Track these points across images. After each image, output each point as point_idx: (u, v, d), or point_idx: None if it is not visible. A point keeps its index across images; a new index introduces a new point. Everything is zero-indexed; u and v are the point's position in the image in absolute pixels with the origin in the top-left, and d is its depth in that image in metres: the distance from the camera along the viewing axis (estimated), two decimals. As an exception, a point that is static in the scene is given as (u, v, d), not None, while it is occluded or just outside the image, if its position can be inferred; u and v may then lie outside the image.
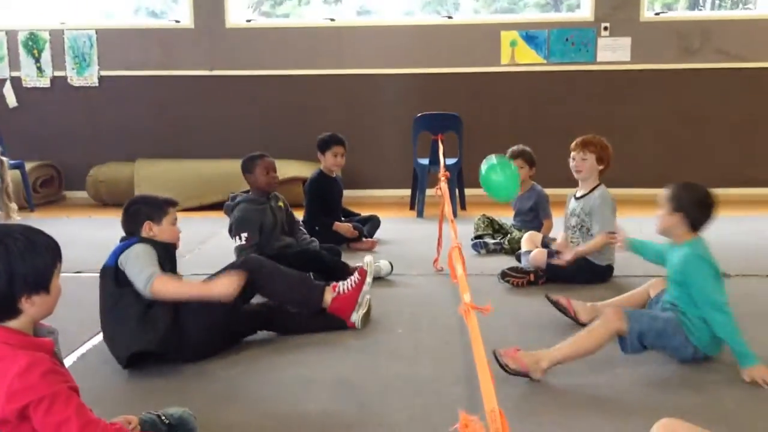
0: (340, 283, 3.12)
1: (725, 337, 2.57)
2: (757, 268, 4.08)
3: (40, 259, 1.65)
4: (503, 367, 2.49)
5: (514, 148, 4.70)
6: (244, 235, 3.67)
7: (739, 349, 2.53)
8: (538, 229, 4.48)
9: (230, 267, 3.03)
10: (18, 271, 1.60)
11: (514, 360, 2.50)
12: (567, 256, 3.68)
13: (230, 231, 3.78)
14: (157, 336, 2.66)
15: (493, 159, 3.87)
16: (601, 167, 3.76)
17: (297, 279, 3.12)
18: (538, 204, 4.63)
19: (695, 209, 2.70)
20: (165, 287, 2.62)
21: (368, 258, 3.21)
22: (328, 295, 3.08)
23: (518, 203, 4.72)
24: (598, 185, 3.78)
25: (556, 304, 3.12)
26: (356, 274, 3.10)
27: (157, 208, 2.86)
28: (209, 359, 2.76)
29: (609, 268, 3.80)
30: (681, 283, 2.70)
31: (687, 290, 2.66)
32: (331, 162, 4.81)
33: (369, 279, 3.06)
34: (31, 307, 1.64)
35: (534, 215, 4.64)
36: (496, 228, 4.83)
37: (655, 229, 2.83)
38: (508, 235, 4.59)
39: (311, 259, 3.83)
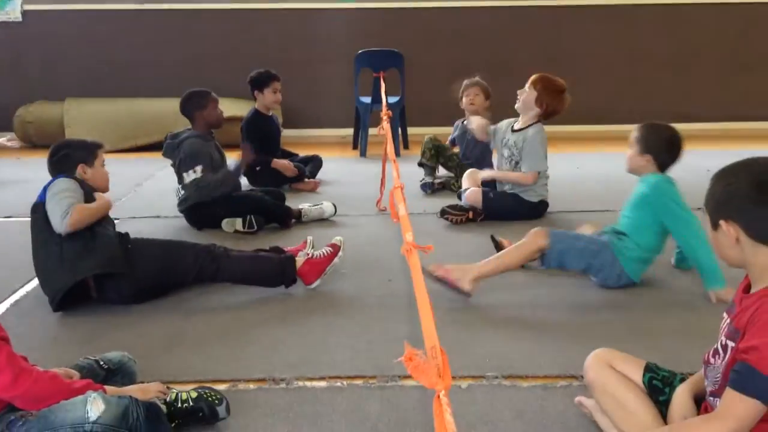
0: (315, 252, 3.00)
1: (701, 255, 2.66)
2: (694, 202, 4.19)
3: None
4: (433, 277, 2.66)
5: (469, 79, 4.62)
6: (198, 167, 3.61)
7: (713, 267, 2.63)
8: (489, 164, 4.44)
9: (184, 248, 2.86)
10: None
11: (445, 271, 2.68)
12: (483, 174, 3.90)
13: (180, 166, 3.67)
14: (99, 261, 2.60)
15: None
16: (538, 108, 3.73)
17: (265, 259, 2.95)
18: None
19: (663, 151, 2.79)
20: (82, 214, 2.60)
21: (339, 237, 3.12)
22: (300, 259, 2.93)
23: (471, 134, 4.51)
24: (535, 122, 3.79)
25: (499, 246, 3.18)
26: (328, 247, 3.01)
27: (87, 150, 2.80)
28: (149, 302, 2.72)
29: (542, 203, 3.88)
30: (638, 206, 2.80)
31: (641, 214, 2.78)
32: (271, 99, 4.70)
33: (341, 253, 3.00)
34: None
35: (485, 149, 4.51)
36: (442, 161, 4.72)
37: (624, 168, 2.92)
38: (454, 176, 4.58)
39: (255, 203, 3.79)
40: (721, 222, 1.48)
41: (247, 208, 3.75)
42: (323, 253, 2.94)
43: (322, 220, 3.91)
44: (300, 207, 3.91)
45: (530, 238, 2.77)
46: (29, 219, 2.70)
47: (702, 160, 3.81)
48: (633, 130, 2.87)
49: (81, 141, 2.90)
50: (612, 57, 6.88)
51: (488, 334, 2.44)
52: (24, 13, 6.73)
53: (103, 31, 6.76)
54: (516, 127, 3.87)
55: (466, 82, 4.62)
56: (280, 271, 2.83)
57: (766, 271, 1.46)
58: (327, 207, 3.97)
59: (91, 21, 6.74)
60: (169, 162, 3.83)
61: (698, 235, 2.65)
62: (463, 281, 2.67)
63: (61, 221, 2.56)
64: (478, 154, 4.54)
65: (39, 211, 2.66)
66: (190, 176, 3.62)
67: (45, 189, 2.67)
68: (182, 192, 3.73)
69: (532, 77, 3.76)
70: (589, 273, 2.86)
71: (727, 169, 1.50)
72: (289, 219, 3.83)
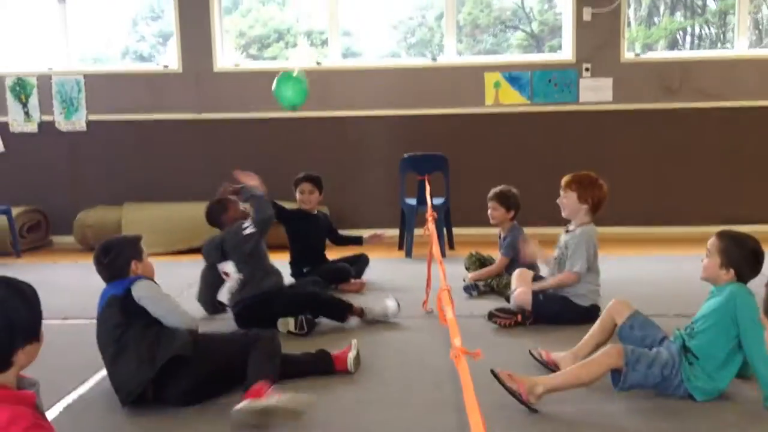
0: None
1: (762, 372, 2.57)
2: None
3: (32, 309, 1.66)
4: (501, 383, 2.57)
5: (493, 189, 4.70)
6: (247, 221, 3.82)
7: None
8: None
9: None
10: (18, 324, 1.61)
11: (512, 380, 2.58)
12: (526, 293, 3.79)
13: (236, 242, 3.81)
14: (175, 346, 2.69)
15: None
16: (584, 205, 3.77)
17: (308, 358, 3.12)
18: (507, 244, 4.59)
19: (746, 265, 2.71)
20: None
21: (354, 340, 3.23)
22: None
23: (500, 244, 4.71)
24: (586, 223, 3.80)
25: (538, 359, 3.12)
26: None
27: (134, 246, 2.93)
28: (199, 404, 2.73)
29: (593, 308, 3.76)
30: (713, 316, 2.69)
31: (716, 328, 2.66)
32: (299, 199, 4.90)
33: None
34: (24, 357, 1.64)
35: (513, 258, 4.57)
36: (486, 266, 4.79)
37: (699, 276, 2.83)
38: (497, 277, 4.58)
39: (313, 298, 3.86)
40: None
41: (305, 304, 3.79)
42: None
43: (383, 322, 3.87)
44: (364, 306, 3.88)
45: (604, 357, 2.66)
46: (88, 321, 2.78)
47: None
48: (712, 237, 2.78)
49: (125, 238, 3.05)
50: (658, 158, 6.91)
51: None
52: (88, 122, 7.14)
53: (161, 139, 7.11)
54: (569, 228, 3.88)
55: (489, 194, 4.70)
56: (322, 366, 3.03)
57: None
58: (391, 304, 3.91)
59: (149, 129, 7.11)
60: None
61: (763, 354, 2.49)
62: (531, 395, 2.58)
63: (185, 325, 2.80)
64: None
65: (115, 305, 2.75)
66: (248, 227, 3.79)
67: (121, 286, 2.78)
68: (243, 278, 3.79)
69: (563, 182, 3.80)
70: (654, 389, 2.74)
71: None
72: (347, 315, 3.82)
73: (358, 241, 5.17)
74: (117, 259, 2.85)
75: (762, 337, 2.45)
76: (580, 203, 3.75)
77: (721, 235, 2.76)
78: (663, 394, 2.72)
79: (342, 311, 3.82)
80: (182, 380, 2.69)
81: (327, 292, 4.22)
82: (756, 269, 2.72)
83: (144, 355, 2.66)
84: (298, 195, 4.90)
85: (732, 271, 2.70)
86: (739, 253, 2.70)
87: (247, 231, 3.78)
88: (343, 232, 5.28)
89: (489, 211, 4.67)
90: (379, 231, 4.92)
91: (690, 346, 2.71)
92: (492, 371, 2.51)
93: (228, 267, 3.86)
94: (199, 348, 2.77)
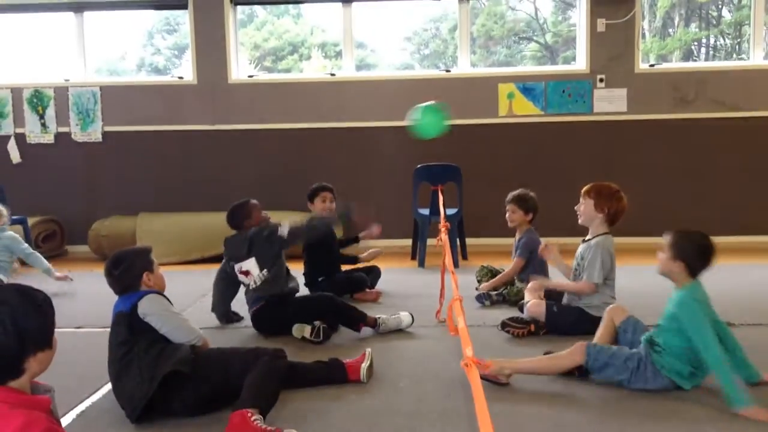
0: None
1: (720, 377, 2.68)
2: (760, 316, 4.05)
3: (43, 316, 1.68)
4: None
5: (512, 193, 4.74)
6: (285, 222, 3.85)
7: (731, 389, 2.64)
8: (531, 273, 4.44)
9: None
10: (29, 331, 1.63)
11: (483, 368, 2.79)
12: (540, 305, 3.81)
13: (269, 239, 3.83)
14: (173, 361, 2.68)
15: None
16: (600, 214, 3.75)
17: (320, 367, 3.12)
18: (521, 245, 4.61)
19: (695, 258, 2.88)
20: (206, 347, 2.90)
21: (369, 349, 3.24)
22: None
23: (515, 246, 4.73)
24: (603, 234, 3.77)
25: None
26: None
27: (145, 257, 2.91)
28: (214, 411, 2.73)
29: None
30: (673, 330, 2.86)
31: (673, 331, 2.85)
32: (320, 207, 4.87)
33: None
34: (36, 365, 1.65)
35: (528, 260, 4.60)
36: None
37: (656, 270, 2.99)
38: (509, 286, 4.58)
39: (329, 304, 3.84)
40: None
41: (321, 309, 3.79)
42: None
43: (398, 331, 3.87)
44: (378, 316, 3.87)
45: (568, 354, 2.97)
46: (102, 329, 2.79)
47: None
48: (666, 234, 2.97)
49: (135, 249, 2.99)
50: (673, 169, 6.88)
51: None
52: (104, 133, 7.21)
53: (175, 150, 7.17)
54: (586, 238, 3.87)
55: (507, 198, 4.73)
56: (335, 376, 3.03)
57: None
58: (405, 317, 3.93)
59: (164, 140, 7.17)
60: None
61: (716, 358, 2.68)
62: (500, 376, 2.93)
63: (190, 341, 2.81)
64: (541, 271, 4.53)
65: (122, 322, 2.75)
66: (284, 229, 3.81)
67: (129, 301, 2.77)
68: (265, 276, 3.82)
69: (583, 189, 3.79)
70: (629, 385, 2.90)
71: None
72: (361, 324, 3.81)
73: (353, 261, 5.15)
74: (128, 271, 2.83)
75: (709, 341, 2.71)
76: (596, 212, 3.74)
77: (674, 232, 2.96)
78: (642, 389, 2.86)
79: (357, 319, 3.82)
80: (185, 394, 2.69)
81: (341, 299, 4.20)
82: (704, 261, 2.87)
83: (144, 373, 2.65)
84: (318, 203, 4.87)
85: (682, 264, 2.87)
86: (687, 246, 2.88)
87: (281, 233, 3.81)
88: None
89: (507, 215, 4.69)
90: (375, 229, 4.85)
91: (657, 341, 2.91)
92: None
93: (250, 264, 3.87)
94: (199, 364, 2.74)
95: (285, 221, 3.90)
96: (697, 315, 2.78)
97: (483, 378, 2.79)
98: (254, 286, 3.87)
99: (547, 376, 3.02)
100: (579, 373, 2.99)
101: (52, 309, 1.73)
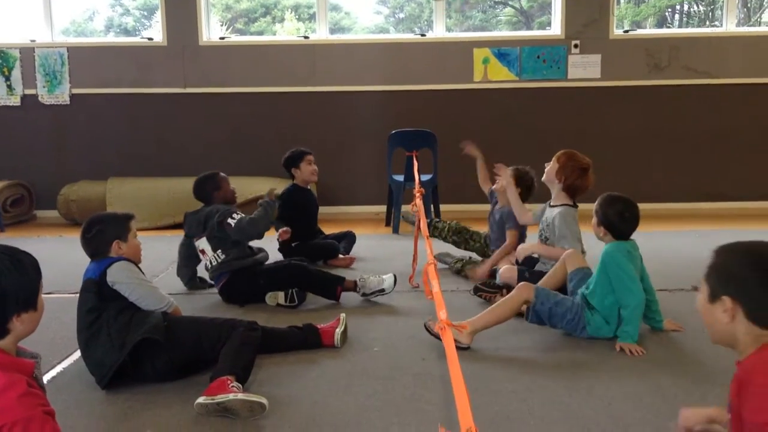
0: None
1: (628, 320, 2.99)
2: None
3: (27, 277, 1.67)
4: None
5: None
6: (237, 213, 3.76)
7: (632, 330, 2.98)
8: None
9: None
10: (10, 290, 1.63)
11: (459, 329, 2.94)
12: (518, 255, 3.92)
13: (218, 224, 3.73)
14: (144, 329, 2.66)
15: None
16: (557, 182, 3.74)
17: (294, 332, 3.11)
18: (505, 215, 4.32)
19: (615, 223, 3.10)
20: (177, 313, 2.89)
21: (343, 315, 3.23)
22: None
23: (497, 216, 4.49)
24: (565, 204, 3.74)
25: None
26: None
27: (120, 225, 2.85)
28: (185, 377, 2.73)
29: None
30: (597, 274, 3.09)
31: (601, 282, 3.06)
32: (308, 170, 4.81)
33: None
34: (20, 325, 1.65)
35: (502, 230, 4.41)
36: (466, 237, 4.71)
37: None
38: (460, 261, 4.45)
39: (302, 274, 3.79)
40: (724, 298, 1.54)
41: (294, 280, 3.74)
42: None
43: (380, 292, 3.78)
44: (357, 278, 3.80)
45: (516, 291, 3.11)
46: (72, 295, 2.76)
47: (739, 240, 3.74)
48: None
49: (112, 215, 2.94)
50: (645, 135, 6.93)
51: (525, 415, 2.40)
52: (72, 96, 7.05)
53: (146, 113, 7.05)
54: (551, 202, 3.87)
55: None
56: (308, 341, 3.05)
57: (748, 348, 1.55)
58: (387, 278, 3.80)
59: (133, 103, 7.04)
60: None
61: (639, 300, 3.00)
62: (461, 336, 2.96)
63: (161, 308, 2.80)
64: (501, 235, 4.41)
65: (90, 289, 2.72)
66: (234, 218, 3.71)
67: (98, 268, 2.73)
68: (221, 257, 3.76)
69: (560, 152, 3.79)
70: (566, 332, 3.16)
71: (737, 248, 1.60)
72: (338, 291, 3.75)
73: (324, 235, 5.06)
74: (99, 236, 2.80)
75: (633, 285, 2.98)
76: (555, 176, 3.74)
77: (600, 198, 3.16)
78: (572, 335, 3.13)
79: (333, 286, 3.76)
80: (156, 361, 2.68)
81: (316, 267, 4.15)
82: (624, 226, 3.10)
83: (115, 341, 2.63)
84: (305, 166, 4.79)
85: (604, 228, 3.12)
86: (609, 212, 3.09)
87: (233, 224, 3.69)
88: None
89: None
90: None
91: (590, 300, 3.10)
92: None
93: (205, 244, 3.82)
94: (172, 332, 2.71)
95: (237, 212, 3.78)
96: (620, 262, 3.02)
97: (439, 338, 2.82)
98: (209, 266, 3.83)
99: (505, 323, 3.13)
100: (526, 316, 3.15)
101: (38, 271, 1.72)
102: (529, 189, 4.30)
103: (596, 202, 3.15)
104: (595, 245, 3.47)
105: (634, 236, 3.17)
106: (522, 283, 3.18)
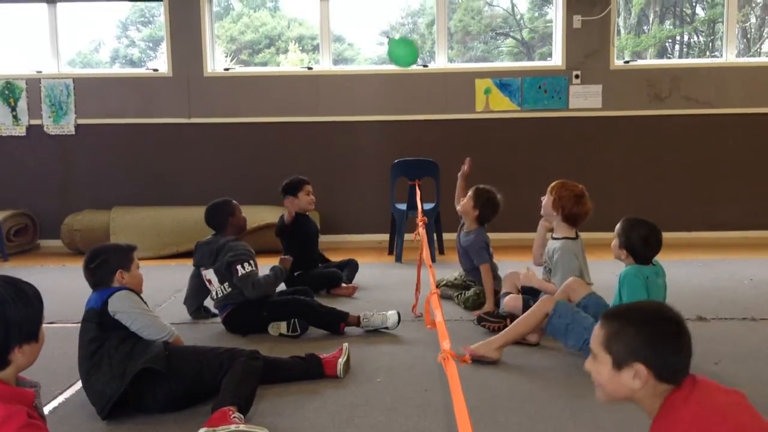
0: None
1: None
2: (733, 311, 4.11)
3: (32, 308, 1.68)
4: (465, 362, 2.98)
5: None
6: (252, 262, 3.73)
7: None
8: (478, 274, 4.28)
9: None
10: (13, 321, 1.63)
11: (472, 351, 3.08)
12: (522, 282, 3.90)
13: (229, 265, 3.70)
14: (144, 359, 2.65)
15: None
16: (556, 213, 3.70)
17: (297, 362, 3.10)
18: (477, 249, 4.27)
19: (639, 247, 3.10)
20: (178, 343, 2.88)
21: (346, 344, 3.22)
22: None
23: (464, 244, 4.43)
24: (567, 238, 3.70)
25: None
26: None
27: (124, 255, 2.86)
28: (187, 408, 2.71)
29: None
30: (615, 298, 3.12)
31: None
32: (306, 201, 4.82)
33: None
34: (21, 356, 1.65)
35: (468, 256, 4.39)
36: (450, 284, 4.62)
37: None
38: (463, 293, 4.41)
39: (305, 307, 3.77)
40: (636, 365, 1.55)
41: (296, 313, 3.73)
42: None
43: (385, 329, 3.75)
44: (360, 314, 3.76)
45: (539, 305, 3.18)
46: (75, 325, 2.75)
47: (742, 269, 3.76)
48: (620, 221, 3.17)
49: (116, 246, 2.96)
50: (646, 165, 6.95)
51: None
52: (77, 126, 7.11)
53: (150, 143, 7.09)
54: (554, 235, 3.84)
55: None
56: (311, 372, 3.04)
57: (650, 401, 1.58)
58: (391, 315, 3.75)
59: (138, 134, 7.08)
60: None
61: None
62: (489, 352, 3.13)
63: (162, 338, 2.79)
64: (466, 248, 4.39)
65: (92, 319, 2.72)
66: (245, 269, 3.67)
67: (100, 298, 2.73)
68: (227, 289, 3.75)
69: (551, 184, 3.79)
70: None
71: (631, 314, 1.63)
72: (341, 326, 3.72)
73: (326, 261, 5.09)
74: (102, 266, 2.80)
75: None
76: (552, 209, 3.73)
77: (622, 220, 3.18)
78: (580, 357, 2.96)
79: (337, 322, 3.73)
80: (157, 391, 2.67)
81: (318, 301, 4.09)
82: (646, 249, 3.10)
83: (116, 370, 2.62)
84: (303, 196, 4.79)
85: (625, 251, 3.13)
86: (633, 235, 3.10)
87: (240, 273, 3.67)
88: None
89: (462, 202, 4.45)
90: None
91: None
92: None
93: (211, 275, 3.81)
94: (173, 362, 2.70)
95: (251, 262, 3.74)
96: (634, 284, 3.03)
97: (475, 360, 3.01)
98: (215, 297, 3.83)
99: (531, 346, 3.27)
100: (545, 329, 3.19)
101: (41, 302, 1.72)
102: (489, 213, 4.37)
103: (619, 224, 3.17)
104: (605, 276, 3.46)
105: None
106: (545, 296, 3.28)
